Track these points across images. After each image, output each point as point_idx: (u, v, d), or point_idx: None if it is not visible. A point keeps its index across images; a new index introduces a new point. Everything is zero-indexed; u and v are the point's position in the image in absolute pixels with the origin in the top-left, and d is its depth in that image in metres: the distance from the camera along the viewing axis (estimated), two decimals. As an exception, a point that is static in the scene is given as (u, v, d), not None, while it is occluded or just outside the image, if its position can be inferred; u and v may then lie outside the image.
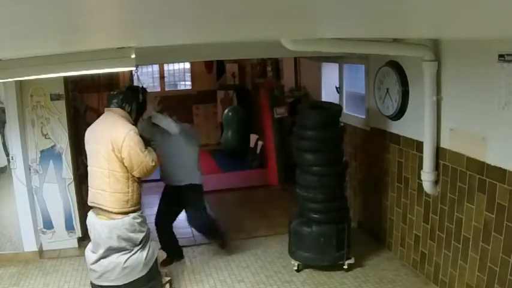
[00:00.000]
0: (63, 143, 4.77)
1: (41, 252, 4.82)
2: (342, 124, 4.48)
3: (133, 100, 3.65)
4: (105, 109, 3.66)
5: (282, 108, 6.68)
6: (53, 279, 4.39)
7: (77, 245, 4.91)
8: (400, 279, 4.21)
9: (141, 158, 3.43)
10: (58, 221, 4.88)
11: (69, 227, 4.91)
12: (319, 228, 4.22)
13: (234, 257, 4.77)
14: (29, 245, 4.76)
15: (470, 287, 3.51)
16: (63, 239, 4.91)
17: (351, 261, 4.35)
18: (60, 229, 4.90)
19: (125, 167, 3.42)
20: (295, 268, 4.40)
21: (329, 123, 4.23)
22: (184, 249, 4.87)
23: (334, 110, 4.35)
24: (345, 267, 4.33)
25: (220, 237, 4.93)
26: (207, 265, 4.62)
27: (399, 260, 4.52)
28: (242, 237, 5.25)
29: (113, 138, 3.39)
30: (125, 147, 3.37)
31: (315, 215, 4.24)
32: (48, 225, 4.87)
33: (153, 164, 3.52)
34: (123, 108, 3.58)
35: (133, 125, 3.57)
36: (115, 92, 3.68)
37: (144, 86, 5.80)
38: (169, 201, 4.55)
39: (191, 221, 4.77)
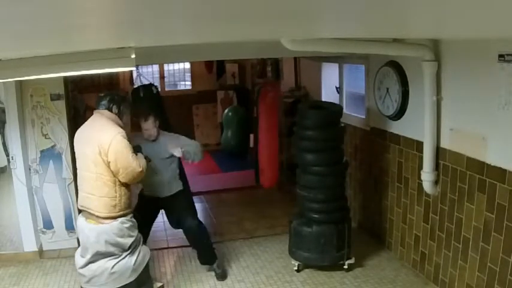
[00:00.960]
0: (63, 143, 4.77)
1: (41, 252, 4.82)
2: (343, 124, 4.48)
3: (121, 102, 3.55)
4: (94, 111, 3.56)
5: None
6: (53, 279, 4.39)
7: (76, 245, 4.86)
8: (400, 279, 4.21)
9: (128, 163, 3.33)
10: (58, 221, 4.88)
11: (69, 227, 4.90)
12: (320, 228, 4.22)
13: (234, 257, 4.77)
14: (29, 245, 4.76)
15: (470, 287, 3.51)
16: (63, 239, 4.90)
17: (351, 261, 4.36)
18: (60, 229, 4.89)
19: (111, 171, 3.32)
20: (295, 268, 4.40)
21: (329, 123, 4.22)
22: (184, 249, 4.87)
23: (334, 110, 4.34)
24: (345, 267, 4.33)
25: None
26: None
27: (399, 260, 4.52)
28: (242, 237, 5.25)
29: (99, 141, 3.30)
30: (111, 150, 3.28)
31: (316, 215, 4.24)
32: (48, 225, 4.87)
33: (141, 169, 3.40)
34: (110, 110, 3.48)
35: (121, 127, 3.45)
36: (103, 94, 3.59)
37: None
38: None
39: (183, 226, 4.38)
